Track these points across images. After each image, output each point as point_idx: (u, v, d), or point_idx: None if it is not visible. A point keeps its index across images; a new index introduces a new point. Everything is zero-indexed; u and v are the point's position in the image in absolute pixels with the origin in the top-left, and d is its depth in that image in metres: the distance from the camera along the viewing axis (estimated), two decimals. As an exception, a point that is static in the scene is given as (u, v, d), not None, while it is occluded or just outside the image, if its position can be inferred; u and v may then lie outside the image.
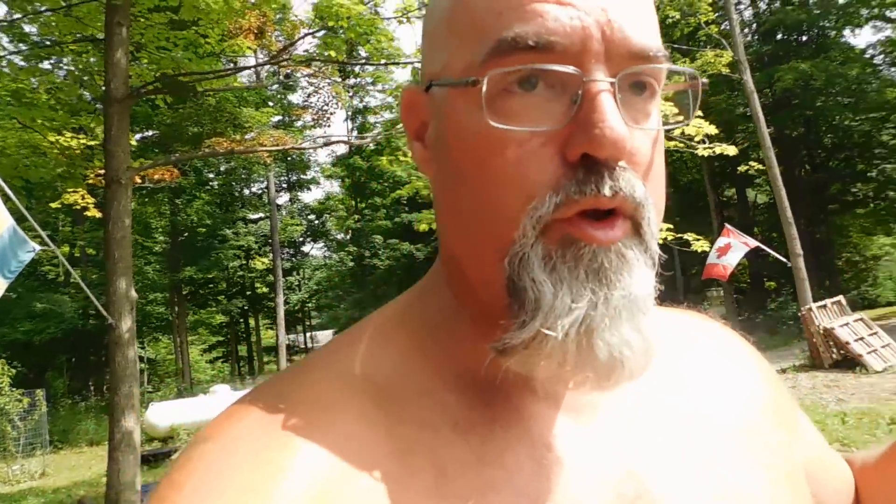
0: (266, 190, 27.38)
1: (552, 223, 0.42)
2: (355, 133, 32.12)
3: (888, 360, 10.82)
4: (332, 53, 5.79)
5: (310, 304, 37.67)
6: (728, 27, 15.06)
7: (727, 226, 12.41)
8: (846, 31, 25.43)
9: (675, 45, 15.83)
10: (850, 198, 28.14)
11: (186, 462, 0.43)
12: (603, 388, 0.43)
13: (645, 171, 0.45)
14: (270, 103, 22.59)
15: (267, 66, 21.49)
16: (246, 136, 18.45)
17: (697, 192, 26.46)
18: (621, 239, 0.43)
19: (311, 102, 25.80)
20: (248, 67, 8.29)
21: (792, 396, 0.66)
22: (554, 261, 0.42)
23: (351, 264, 32.68)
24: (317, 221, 35.71)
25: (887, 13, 22.59)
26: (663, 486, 0.47)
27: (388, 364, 0.49)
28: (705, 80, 0.48)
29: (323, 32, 5.92)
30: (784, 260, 13.14)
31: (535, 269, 0.42)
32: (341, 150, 33.13)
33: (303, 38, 6.56)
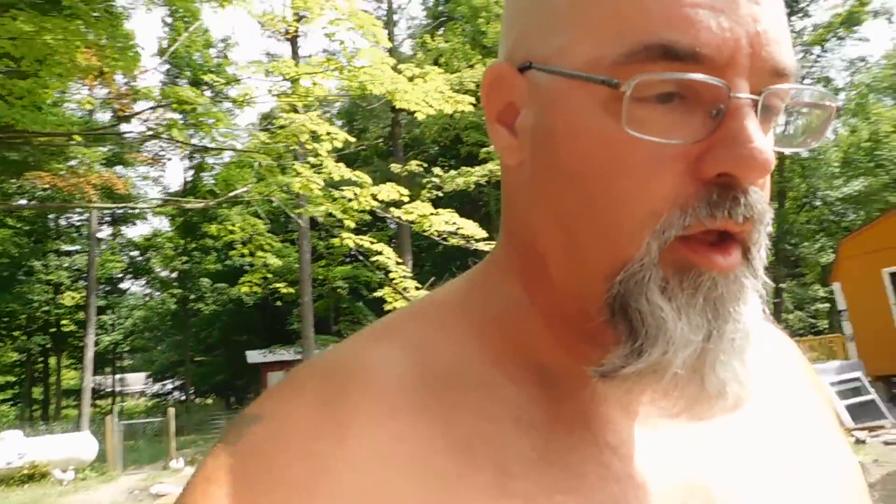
0: (87, 222, 26.00)
1: (671, 244, 0.40)
2: (192, 173, 31.57)
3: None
4: (174, 132, 6.56)
5: (123, 345, 35.39)
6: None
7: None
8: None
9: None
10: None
11: (235, 440, 0.41)
12: (700, 419, 0.41)
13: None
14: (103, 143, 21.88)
15: (101, 97, 20.87)
16: (69, 164, 17.66)
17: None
18: (739, 266, 0.41)
19: (146, 148, 25.20)
20: (94, 132, 8.64)
21: None
22: (671, 286, 0.40)
23: (174, 306, 31.46)
24: (140, 258, 34.08)
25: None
26: (729, 501, 0.45)
27: (448, 349, 0.46)
28: (839, 103, 0.44)
29: (166, 115, 6.68)
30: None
31: (654, 293, 0.40)
32: (174, 187, 32.29)
33: (150, 109, 7.23)
